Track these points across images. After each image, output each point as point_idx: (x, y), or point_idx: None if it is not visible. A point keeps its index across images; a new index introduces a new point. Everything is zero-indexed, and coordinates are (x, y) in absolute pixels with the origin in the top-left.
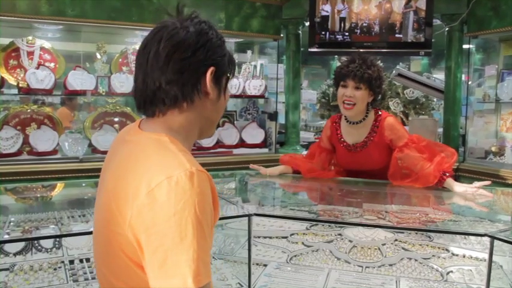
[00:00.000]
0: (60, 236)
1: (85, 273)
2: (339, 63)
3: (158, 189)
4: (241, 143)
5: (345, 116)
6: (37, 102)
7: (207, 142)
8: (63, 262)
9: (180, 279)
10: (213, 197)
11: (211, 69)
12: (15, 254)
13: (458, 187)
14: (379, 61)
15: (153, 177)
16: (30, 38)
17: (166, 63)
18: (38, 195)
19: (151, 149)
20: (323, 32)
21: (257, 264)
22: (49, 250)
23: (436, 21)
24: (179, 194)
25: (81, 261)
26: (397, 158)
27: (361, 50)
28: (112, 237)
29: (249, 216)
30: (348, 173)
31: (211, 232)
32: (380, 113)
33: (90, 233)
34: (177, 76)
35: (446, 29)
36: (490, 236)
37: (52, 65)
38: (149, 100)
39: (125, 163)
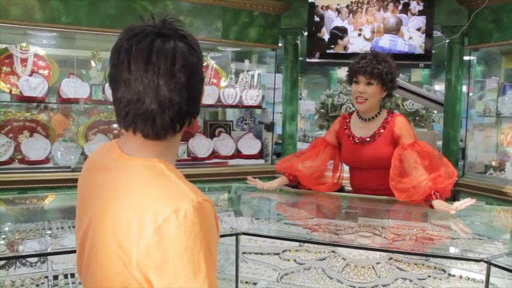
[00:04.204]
0: (45, 255)
1: None
2: (339, 72)
3: (166, 225)
4: (237, 154)
5: (357, 112)
6: (39, 107)
7: (202, 152)
8: (47, 277)
9: None
10: (215, 223)
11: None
12: None
13: (441, 206)
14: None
15: (159, 212)
16: (24, 44)
17: (185, 86)
18: (28, 205)
19: (148, 178)
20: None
21: (246, 282)
22: (34, 264)
23: (437, 33)
24: (189, 228)
25: (65, 276)
26: (398, 155)
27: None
28: (113, 278)
29: (236, 235)
30: (352, 174)
31: None
32: (393, 113)
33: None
34: (188, 103)
35: (447, 41)
36: (486, 262)
37: (46, 72)
38: (144, 118)
39: (114, 194)
